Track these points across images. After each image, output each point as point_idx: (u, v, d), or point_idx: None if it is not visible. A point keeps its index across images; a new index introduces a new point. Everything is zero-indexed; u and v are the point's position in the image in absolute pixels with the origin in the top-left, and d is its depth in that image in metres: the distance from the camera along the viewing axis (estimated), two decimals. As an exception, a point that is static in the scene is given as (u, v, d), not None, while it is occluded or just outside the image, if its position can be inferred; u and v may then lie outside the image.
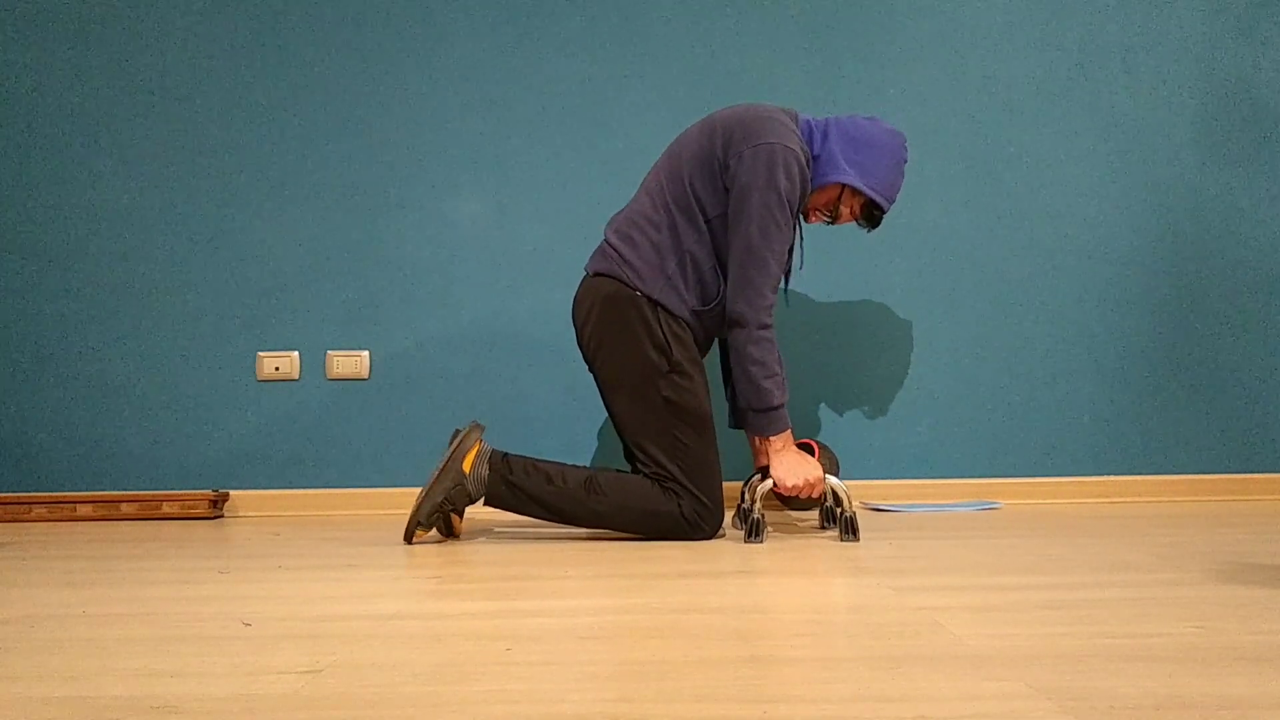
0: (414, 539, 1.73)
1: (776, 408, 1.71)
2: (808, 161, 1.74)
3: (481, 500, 1.75)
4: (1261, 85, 2.48)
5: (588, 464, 2.40)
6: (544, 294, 2.43)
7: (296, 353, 2.41)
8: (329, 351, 2.42)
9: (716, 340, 2.21)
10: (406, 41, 2.47)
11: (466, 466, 1.72)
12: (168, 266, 2.43)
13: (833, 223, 1.84)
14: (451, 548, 1.67)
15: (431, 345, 2.42)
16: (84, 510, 2.27)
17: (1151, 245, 2.45)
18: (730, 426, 2.03)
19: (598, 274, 1.79)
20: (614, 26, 2.47)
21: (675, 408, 1.72)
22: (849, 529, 1.68)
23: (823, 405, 2.40)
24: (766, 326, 1.69)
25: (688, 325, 1.76)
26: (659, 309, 1.74)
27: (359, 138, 2.45)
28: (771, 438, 1.73)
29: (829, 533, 1.82)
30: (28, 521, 2.24)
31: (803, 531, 1.85)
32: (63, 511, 2.27)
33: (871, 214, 1.82)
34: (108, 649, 0.94)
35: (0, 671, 0.86)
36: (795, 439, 2.21)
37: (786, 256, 1.74)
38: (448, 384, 2.41)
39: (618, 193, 2.45)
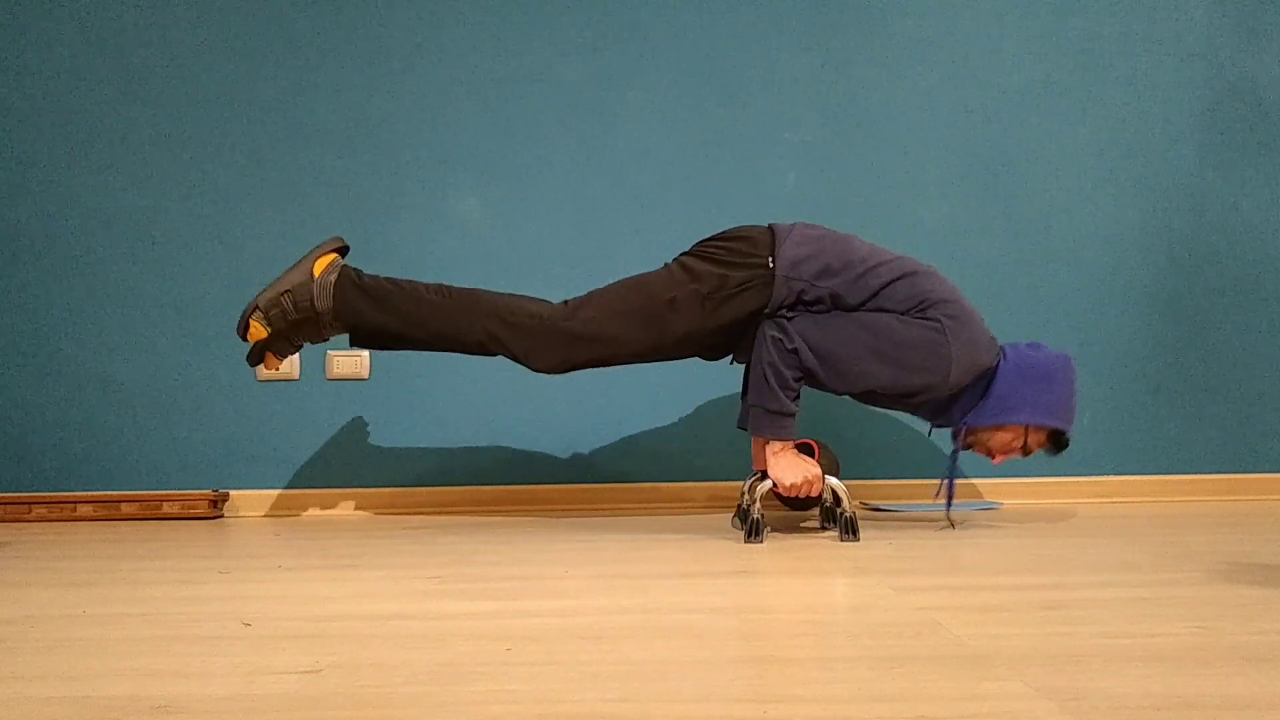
0: (248, 334, 1.69)
1: (783, 414, 1.71)
2: (934, 394, 1.75)
3: (333, 321, 1.71)
4: (1263, 85, 2.48)
5: (592, 470, 2.40)
6: (544, 293, 2.42)
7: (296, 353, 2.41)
8: (329, 351, 2.42)
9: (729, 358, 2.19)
10: (407, 41, 2.47)
11: (316, 271, 1.69)
12: (168, 266, 2.43)
13: (1025, 455, 1.85)
14: (451, 548, 1.67)
15: (431, 345, 2.42)
16: (84, 510, 2.27)
17: (1151, 245, 2.45)
18: (738, 426, 2.02)
19: (771, 227, 1.81)
20: (614, 26, 2.47)
21: (671, 303, 1.74)
22: (849, 529, 1.68)
23: (823, 405, 2.40)
24: (797, 354, 1.71)
25: (751, 320, 1.76)
26: (764, 280, 1.72)
27: (359, 138, 2.45)
28: (771, 441, 1.73)
29: (829, 533, 1.82)
30: (28, 521, 2.24)
31: (803, 531, 1.85)
32: (63, 511, 2.27)
33: (1058, 440, 1.84)
34: (108, 649, 0.94)
35: (0, 671, 0.86)
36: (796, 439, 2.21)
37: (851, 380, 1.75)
38: (448, 384, 2.41)
39: (617, 193, 2.45)
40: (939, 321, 1.70)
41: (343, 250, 1.77)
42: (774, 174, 2.46)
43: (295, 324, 1.72)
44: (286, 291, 1.67)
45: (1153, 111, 2.47)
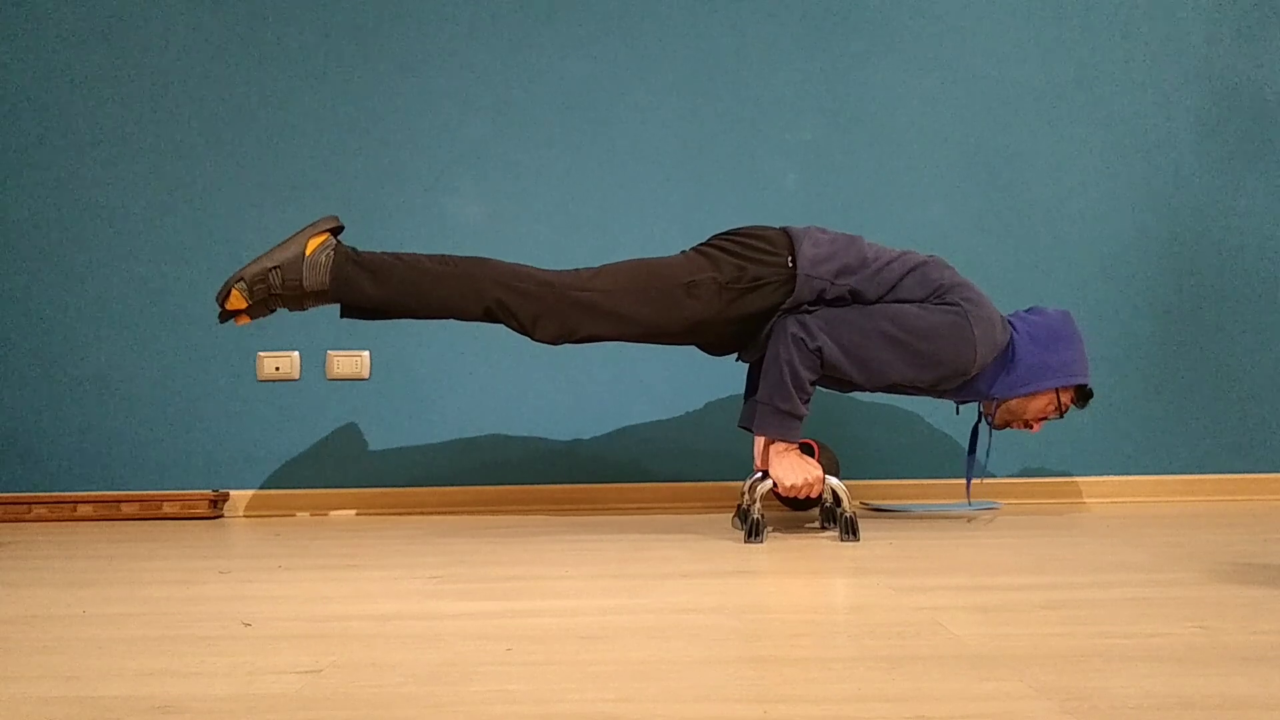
0: (226, 303, 1.66)
1: (792, 415, 1.71)
2: (962, 378, 1.78)
3: (324, 292, 1.68)
4: (1262, 85, 2.48)
5: (591, 470, 2.40)
6: (544, 294, 2.43)
7: (296, 353, 2.41)
8: (329, 351, 2.42)
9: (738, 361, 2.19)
10: (407, 41, 2.47)
11: (309, 249, 1.67)
12: (168, 266, 2.43)
13: (1060, 417, 1.91)
14: (451, 548, 1.67)
15: (431, 345, 2.42)
16: (84, 510, 2.27)
17: (1151, 245, 2.45)
18: (739, 425, 2.02)
19: (785, 229, 1.81)
20: (615, 26, 2.47)
21: (689, 286, 1.73)
22: (849, 529, 1.68)
23: (823, 405, 2.40)
24: (820, 353, 1.71)
25: (766, 317, 1.77)
26: (785, 279, 1.73)
27: (359, 137, 2.45)
28: (775, 440, 1.73)
29: (829, 533, 1.82)
30: (28, 521, 2.24)
31: (803, 531, 1.85)
32: (63, 511, 2.27)
33: (1084, 393, 1.90)
34: (108, 649, 0.94)
35: (0, 671, 0.86)
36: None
37: (860, 376, 1.76)
38: (448, 384, 2.41)
39: (618, 192, 2.45)
40: (958, 305, 1.74)
41: (336, 230, 1.75)
42: (774, 174, 2.46)
43: (277, 297, 1.70)
44: (275, 267, 1.65)
45: (1153, 112, 2.47)
